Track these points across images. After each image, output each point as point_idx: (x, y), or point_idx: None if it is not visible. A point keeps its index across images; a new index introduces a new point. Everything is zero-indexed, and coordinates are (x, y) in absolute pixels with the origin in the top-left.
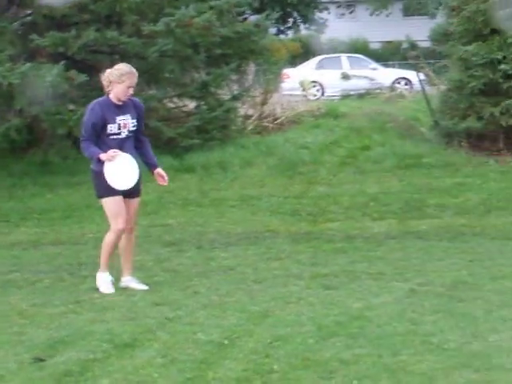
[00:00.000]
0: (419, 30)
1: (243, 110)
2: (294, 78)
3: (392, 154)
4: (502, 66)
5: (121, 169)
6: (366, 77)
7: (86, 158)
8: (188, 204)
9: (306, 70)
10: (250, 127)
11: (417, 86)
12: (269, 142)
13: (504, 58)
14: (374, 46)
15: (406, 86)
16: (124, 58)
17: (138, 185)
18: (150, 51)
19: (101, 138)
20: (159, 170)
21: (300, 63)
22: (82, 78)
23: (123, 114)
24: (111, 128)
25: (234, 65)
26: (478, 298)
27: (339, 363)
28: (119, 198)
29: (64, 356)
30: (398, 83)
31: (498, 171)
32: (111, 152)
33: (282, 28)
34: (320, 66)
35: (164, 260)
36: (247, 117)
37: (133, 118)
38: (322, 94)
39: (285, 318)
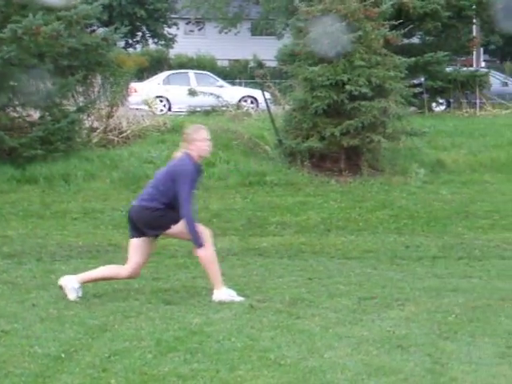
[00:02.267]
0: (266, 50)
1: (88, 122)
2: (141, 92)
3: (236, 171)
4: (348, 87)
5: None
6: (212, 94)
7: None
8: (29, 215)
9: (153, 85)
10: (95, 140)
11: (263, 104)
12: (113, 155)
13: (349, 80)
14: (222, 63)
15: (252, 105)
16: None
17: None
18: None
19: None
20: None
21: (147, 77)
22: None
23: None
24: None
25: (79, 76)
26: (315, 315)
27: (177, 378)
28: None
29: None
30: (245, 101)
31: (338, 191)
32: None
33: (130, 41)
34: (167, 81)
35: (2, 272)
36: (92, 129)
37: None
38: (169, 110)
39: (124, 332)
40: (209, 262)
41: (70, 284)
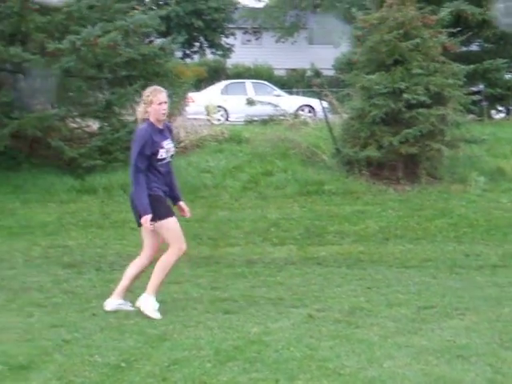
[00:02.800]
0: (323, 59)
1: None
2: (199, 102)
3: (294, 180)
4: (405, 96)
5: None
6: (270, 103)
7: None
8: (88, 225)
9: (211, 95)
10: None
11: (320, 113)
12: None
13: (406, 88)
14: (279, 72)
15: (310, 114)
16: (27, 76)
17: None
18: (53, 68)
19: (151, 164)
20: (181, 204)
21: (205, 87)
22: None
23: (166, 138)
24: (162, 153)
25: (138, 85)
26: (374, 325)
27: None
28: (176, 219)
29: None
30: (302, 110)
31: (396, 200)
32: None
33: (188, 52)
34: (225, 91)
35: (63, 281)
36: None
37: (173, 142)
38: (226, 119)
39: (183, 341)
40: (162, 269)
41: (115, 304)
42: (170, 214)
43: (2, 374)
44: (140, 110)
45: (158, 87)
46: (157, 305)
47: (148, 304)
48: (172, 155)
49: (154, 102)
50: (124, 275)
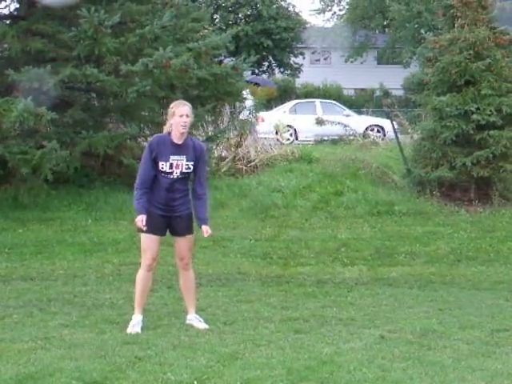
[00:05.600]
0: (392, 79)
1: (218, 151)
2: (269, 121)
3: (364, 200)
4: (474, 116)
5: None
6: (340, 123)
7: (58, 195)
8: (160, 243)
9: (280, 114)
10: (224, 169)
11: (390, 133)
12: (242, 184)
13: (477, 109)
14: (348, 92)
15: (379, 134)
16: (100, 95)
17: (187, 223)
18: (129, 91)
19: (156, 174)
20: (205, 228)
21: (274, 107)
22: (51, 115)
23: (179, 154)
24: (162, 165)
25: (209, 106)
26: (447, 347)
27: None
28: (155, 237)
29: None
30: (371, 130)
31: (468, 221)
32: (140, 222)
33: (257, 71)
34: (294, 110)
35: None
36: (221, 158)
37: (188, 160)
38: (296, 139)
39: (255, 360)
40: (136, 282)
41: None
42: (147, 231)
43: None
44: (167, 123)
45: (183, 101)
46: (137, 319)
47: (131, 322)
48: (184, 172)
49: (175, 114)
50: (187, 294)
